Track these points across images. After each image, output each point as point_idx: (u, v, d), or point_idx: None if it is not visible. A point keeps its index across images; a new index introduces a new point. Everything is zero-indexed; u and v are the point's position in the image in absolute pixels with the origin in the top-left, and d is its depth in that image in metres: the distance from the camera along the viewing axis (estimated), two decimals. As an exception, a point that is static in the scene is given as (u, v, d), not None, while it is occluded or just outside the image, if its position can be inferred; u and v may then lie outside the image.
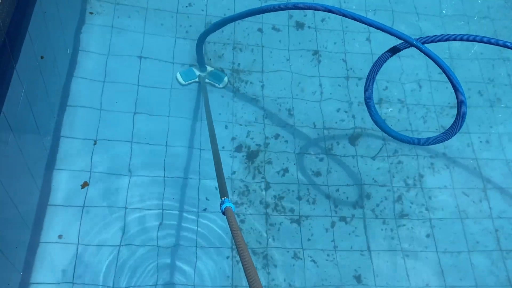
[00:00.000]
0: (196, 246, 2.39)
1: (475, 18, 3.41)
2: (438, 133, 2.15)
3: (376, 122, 2.24)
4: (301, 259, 2.47)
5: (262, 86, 2.91)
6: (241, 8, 2.99)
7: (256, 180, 2.63)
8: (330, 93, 2.96)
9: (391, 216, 2.65)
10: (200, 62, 2.81)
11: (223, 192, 1.73)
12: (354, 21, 2.01)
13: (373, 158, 2.80)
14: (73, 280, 2.20)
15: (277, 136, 2.78)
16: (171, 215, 2.43)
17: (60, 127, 2.51)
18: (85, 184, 2.41)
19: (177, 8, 3.04)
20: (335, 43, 3.14)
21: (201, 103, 2.75)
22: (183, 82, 2.79)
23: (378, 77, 2.19)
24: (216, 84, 2.83)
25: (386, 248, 2.57)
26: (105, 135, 2.55)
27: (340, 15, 2.02)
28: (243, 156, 2.68)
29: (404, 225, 2.64)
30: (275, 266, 2.43)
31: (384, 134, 2.42)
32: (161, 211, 2.43)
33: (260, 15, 3.10)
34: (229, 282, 2.34)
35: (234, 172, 2.62)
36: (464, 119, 1.96)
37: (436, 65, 1.92)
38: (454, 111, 2.24)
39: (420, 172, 2.80)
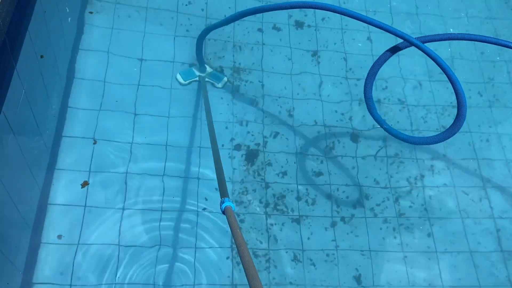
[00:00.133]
0: (196, 246, 2.39)
1: (475, 18, 3.40)
2: (439, 132, 2.15)
3: (377, 121, 2.24)
4: (301, 259, 2.47)
5: (262, 86, 2.91)
6: (242, 7, 2.98)
7: (256, 179, 2.62)
8: (330, 93, 2.96)
9: (392, 215, 2.65)
10: (200, 61, 2.81)
11: (223, 192, 1.73)
12: (355, 20, 2.01)
13: (373, 157, 2.80)
14: (72, 280, 2.20)
15: (277, 136, 2.78)
16: (171, 215, 2.43)
17: (60, 126, 2.51)
18: (85, 184, 2.41)
19: (177, 7, 3.05)
20: (335, 43, 3.14)
21: (201, 102, 2.75)
22: (183, 82, 2.79)
23: (378, 76, 2.19)
24: (216, 84, 2.83)
25: (386, 248, 2.57)
26: (105, 135, 2.55)
27: (340, 14, 2.02)
28: (242, 155, 2.68)
29: (404, 224, 2.64)
30: (275, 266, 2.43)
31: (384, 134, 2.43)
32: (160, 211, 2.43)
33: (260, 14, 3.10)
34: (229, 281, 2.34)
35: (234, 172, 2.62)
36: (464, 118, 1.96)
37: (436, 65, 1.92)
38: (455, 111, 2.24)
39: (420, 172, 2.80)
